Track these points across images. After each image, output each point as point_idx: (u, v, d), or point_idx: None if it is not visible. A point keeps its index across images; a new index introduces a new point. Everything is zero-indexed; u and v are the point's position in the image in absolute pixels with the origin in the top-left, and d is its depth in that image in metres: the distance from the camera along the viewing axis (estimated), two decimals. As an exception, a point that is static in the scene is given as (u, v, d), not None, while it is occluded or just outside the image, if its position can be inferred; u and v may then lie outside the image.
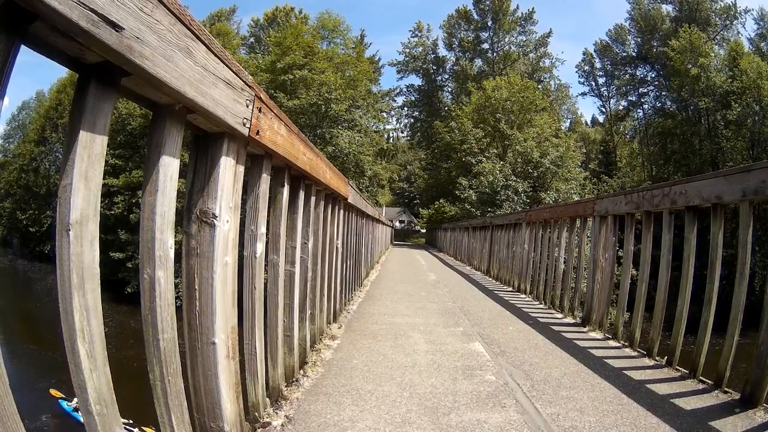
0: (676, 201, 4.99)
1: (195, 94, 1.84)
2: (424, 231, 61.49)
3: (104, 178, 2.36)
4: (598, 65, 60.23)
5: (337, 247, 6.27)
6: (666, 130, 45.16)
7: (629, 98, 57.29)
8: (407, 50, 63.26)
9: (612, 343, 5.96)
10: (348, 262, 7.74)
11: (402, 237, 61.98)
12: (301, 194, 4.05)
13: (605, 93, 60.91)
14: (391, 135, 63.80)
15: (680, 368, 4.73)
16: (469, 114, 40.48)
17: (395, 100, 62.61)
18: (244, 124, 2.31)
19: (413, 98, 64.50)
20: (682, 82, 42.03)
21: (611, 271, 6.68)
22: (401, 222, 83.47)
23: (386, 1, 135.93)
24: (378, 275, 12.91)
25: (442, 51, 63.56)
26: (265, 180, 2.97)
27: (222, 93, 2.06)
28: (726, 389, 4.10)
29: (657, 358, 5.12)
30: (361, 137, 37.84)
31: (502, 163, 33.33)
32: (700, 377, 4.42)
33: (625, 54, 56.18)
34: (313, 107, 35.65)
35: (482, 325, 6.71)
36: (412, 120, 65.78)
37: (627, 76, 56.13)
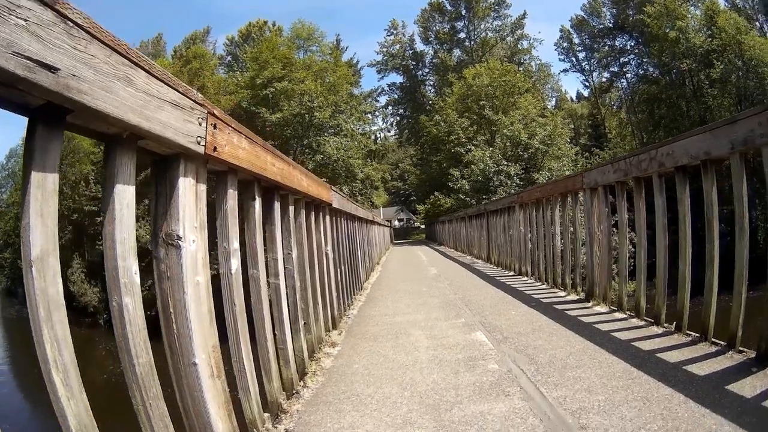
0: (664, 163, 4.84)
1: (140, 120, 1.84)
2: (423, 227, 61.29)
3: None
4: (576, 41, 60.44)
5: (327, 254, 6.17)
6: (651, 96, 44.94)
7: (611, 69, 57.35)
8: (385, 49, 63.75)
9: (618, 315, 5.80)
10: (343, 267, 7.62)
11: (402, 235, 62.39)
12: (277, 205, 3.97)
13: (587, 67, 61.10)
14: (378, 135, 63.48)
15: (690, 332, 4.57)
16: (453, 105, 40.42)
17: (378, 100, 62.80)
18: (199, 143, 2.30)
19: (396, 96, 64.92)
20: (662, 46, 41.93)
21: (608, 243, 6.54)
22: (400, 220, 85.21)
23: (358, 5, 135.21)
24: (379, 276, 12.78)
25: (420, 46, 64.00)
26: (231, 196, 2.93)
27: (169, 115, 2.05)
28: (740, 348, 3.94)
29: (665, 325, 4.97)
30: (348, 141, 37.66)
31: (491, 149, 33.23)
32: (712, 339, 4.26)
33: (602, 26, 56.28)
34: (297, 118, 35.55)
35: (484, 313, 6.54)
36: (398, 118, 66.39)
37: (606, 47, 56.14)
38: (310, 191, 4.98)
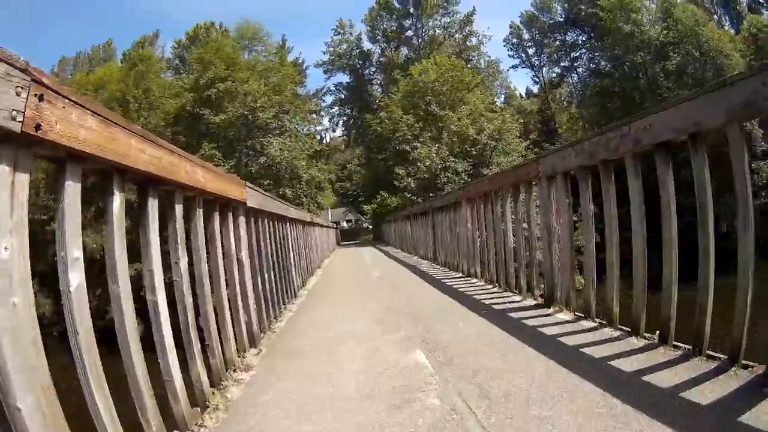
0: (641, 140, 4.03)
1: None
2: (371, 227, 60.73)
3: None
4: (526, 36, 61.05)
5: (241, 261, 5.29)
6: (604, 89, 45.13)
7: (562, 64, 57.98)
8: (331, 49, 62.67)
9: (585, 323, 4.94)
10: (267, 275, 6.72)
11: (351, 237, 63.03)
12: (152, 204, 3.22)
13: (537, 63, 61.76)
14: (323, 135, 63.20)
15: (679, 344, 3.78)
16: (399, 102, 39.68)
17: (324, 100, 62.74)
18: (14, 118, 1.82)
19: (343, 96, 64.27)
20: (616, 39, 42.41)
21: (570, 239, 5.66)
22: (348, 221, 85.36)
23: (304, 10, 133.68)
24: (318, 281, 11.94)
25: (367, 45, 63.32)
26: (72, 190, 2.34)
27: (-33, 81, 1.70)
28: (746, 363, 3.20)
29: (646, 335, 4.14)
30: (292, 143, 37.01)
31: (437, 145, 32.76)
32: (707, 352, 3.50)
33: (552, 21, 56.87)
34: (241, 119, 34.87)
35: (427, 324, 5.63)
36: (344, 118, 65.83)
37: (557, 42, 56.75)
38: (210, 187, 4.18)
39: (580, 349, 4.05)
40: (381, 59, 61.44)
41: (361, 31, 62.65)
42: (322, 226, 20.15)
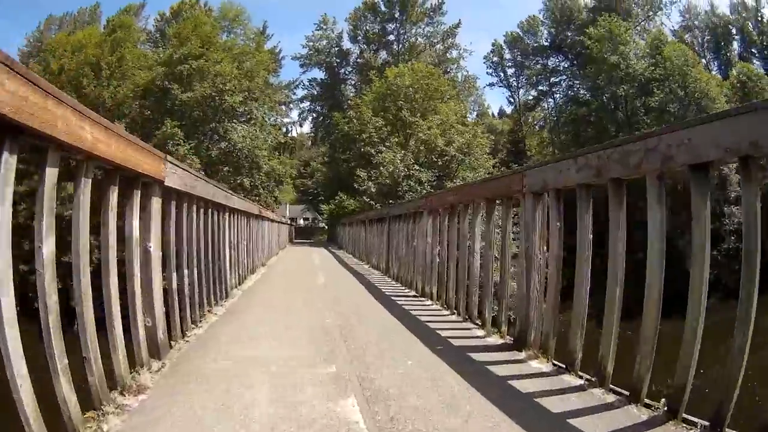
0: (673, 157, 3.12)
1: None
2: (327, 227, 60.01)
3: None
4: (507, 56, 60.87)
5: (149, 251, 4.33)
6: (579, 117, 45.41)
7: (539, 88, 58.02)
8: (311, 43, 61.69)
9: (568, 379, 3.99)
10: (189, 271, 5.79)
11: (305, 235, 62.49)
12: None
13: (514, 83, 61.49)
14: (290, 129, 62.22)
15: (692, 419, 2.96)
16: (369, 103, 38.55)
17: (295, 93, 61.92)
18: None
19: (315, 92, 63.34)
20: (600, 69, 42.36)
21: (557, 272, 4.60)
22: (305, 219, 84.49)
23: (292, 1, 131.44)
24: (257, 281, 10.90)
25: (347, 44, 62.38)
26: None
27: None
28: None
29: (652, 405, 3.24)
30: (256, 131, 35.67)
31: (403, 152, 31.85)
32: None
33: (536, 44, 56.83)
34: (208, 100, 33.29)
35: (367, 358, 4.57)
36: (314, 115, 64.83)
37: (539, 65, 56.80)
38: (105, 152, 3.26)
39: (568, 420, 3.11)
40: (359, 60, 60.48)
41: (343, 29, 61.85)
42: (273, 221, 19.10)
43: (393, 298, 8.70)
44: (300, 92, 63.32)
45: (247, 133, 33.96)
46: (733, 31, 47.42)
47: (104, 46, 37.30)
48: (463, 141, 32.06)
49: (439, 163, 31.51)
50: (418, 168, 29.99)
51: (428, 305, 7.97)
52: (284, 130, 56.38)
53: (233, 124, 33.67)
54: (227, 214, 8.29)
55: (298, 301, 8.18)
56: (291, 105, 60.08)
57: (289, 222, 36.33)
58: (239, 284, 9.52)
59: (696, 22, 47.84)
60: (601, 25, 42.56)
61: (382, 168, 31.18)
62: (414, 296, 9.00)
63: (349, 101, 49.54)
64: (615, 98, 42.63)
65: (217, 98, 33.28)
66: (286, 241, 29.46)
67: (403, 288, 10.08)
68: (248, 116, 36.05)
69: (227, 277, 8.20)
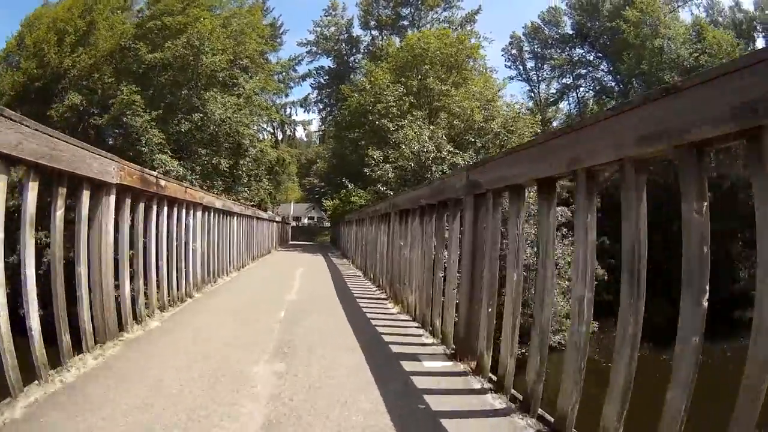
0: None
1: None
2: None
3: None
4: (526, 48, 58.08)
5: None
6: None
7: (562, 81, 55.73)
8: (319, 29, 58.81)
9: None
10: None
11: (307, 234, 60.36)
12: None
13: (534, 77, 58.48)
14: (291, 110, 58.34)
15: None
16: (387, 69, 33.20)
17: (296, 70, 57.19)
18: None
19: (323, 81, 59.91)
20: (640, 55, 40.23)
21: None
22: (310, 218, 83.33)
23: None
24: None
25: (357, 31, 59.57)
26: None
27: None
28: None
29: None
30: (241, 103, 30.18)
31: (432, 127, 25.78)
32: None
33: (558, 36, 54.38)
34: (180, 61, 28.83)
35: None
36: (321, 106, 61.05)
37: (564, 54, 53.88)
38: None
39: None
40: (370, 48, 57.59)
41: (353, 15, 59.05)
42: (252, 217, 16.09)
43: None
44: (302, 69, 60.47)
45: (228, 103, 28.94)
46: (758, 27, 45.05)
47: (74, 10, 33.30)
48: (510, 114, 26.55)
49: (478, 144, 25.48)
50: (451, 149, 23.66)
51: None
52: (287, 112, 54.40)
53: (212, 92, 28.85)
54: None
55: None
56: (290, 83, 55.80)
57: (280, 219, 31.58)
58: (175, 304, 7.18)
59: (720, 18, 45.24)
60: (637, 6, 40.60)
61: (403, 146, 24.32)
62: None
63: (364, 66, 47.33)
64: (649, 87, 38.97)
65: (191, 60, 28.29)
66: (275, 242, 25.15)
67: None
68: (233, 86, 30.92)
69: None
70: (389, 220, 9.55)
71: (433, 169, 22.14)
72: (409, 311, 7.08)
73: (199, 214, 8.77)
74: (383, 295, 9.29)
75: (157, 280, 6.61)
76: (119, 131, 29.04)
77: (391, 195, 11.48)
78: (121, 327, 5.12)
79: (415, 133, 24.44)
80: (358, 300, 8.92)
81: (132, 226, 5.71)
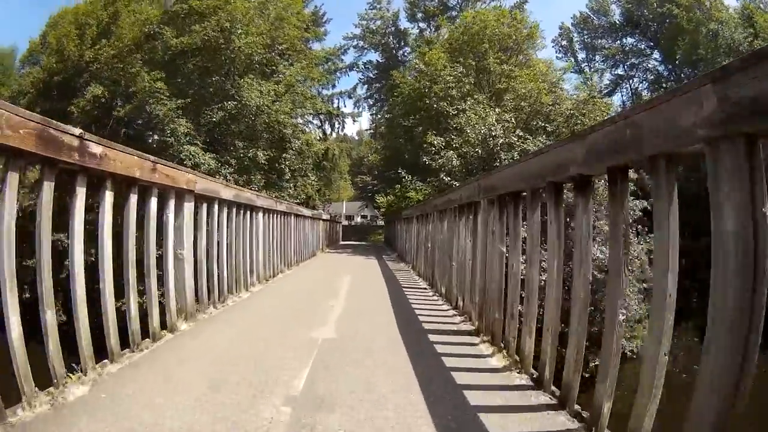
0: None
1: None
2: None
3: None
4: (576, 38, 56.81)
5: None
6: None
7: (615, 72, 54.36)
8: (364, 22, 57.31)
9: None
10: None
11: (360, 233, 58.98)
12: None
13: (587, 68, 56.18)
14: (340, 101, 56.32)
15: None
16: (442, 50, 29.86)
17: (342, 59, 55.35)
18: None
19: (371, 75, 58.74)
20: (695, 40, 39.52)
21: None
22: (363, 217, 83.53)
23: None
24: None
25: (404, 23, 57.85)
26: None
27: None
28: None
29: None
30: (281, 90, 26.89)
31: (498, 110, 22.46)
32: None
33: (607, 25, 53.15)
34: (210, 45, 25.49)
35: None
36: (371, 102, 59.77)
37: (617, 43, 53.07)
38: None
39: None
40: (417, 42, 54.85)
41: (399, 8, 57.94)
42: (286, 213, 13.47)
43: None
44: (348, 58, 59.30)
45: (265, 90, 25.42)
46: (803, 11, 45.49)
47: (96, 2, 31.96)
48: (582, 97, 23.06)
49: (548, 129, 22.33)
50: (520, 133, 20.29)
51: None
52: (335, 103, 51.67)
53: (247, 79, 24.97)
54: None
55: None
56: (338, 73, 53.43)
57: (328, 218, 29.29)
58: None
59: (761, 5, 42.40)
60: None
61: (468, 130, 20.90)
62: None
63: (417, 48, 44.86)
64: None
65: (222, 44, 25.18)
66: (320, 244, 22.36)
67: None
68: (272, 74, 27.88)
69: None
70: (475, 212, 6.52)
71: (502, 156, 19.09)
72: (524, 366, 4.06)
73: (188, 205, 6.29)
74: (469, 326, 6.25)
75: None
76: (139, 123, 27.55)
77: (481, 174, 7.85)
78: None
79: (479, 116, 21.47)
80: (429, 336, 5.75)
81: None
